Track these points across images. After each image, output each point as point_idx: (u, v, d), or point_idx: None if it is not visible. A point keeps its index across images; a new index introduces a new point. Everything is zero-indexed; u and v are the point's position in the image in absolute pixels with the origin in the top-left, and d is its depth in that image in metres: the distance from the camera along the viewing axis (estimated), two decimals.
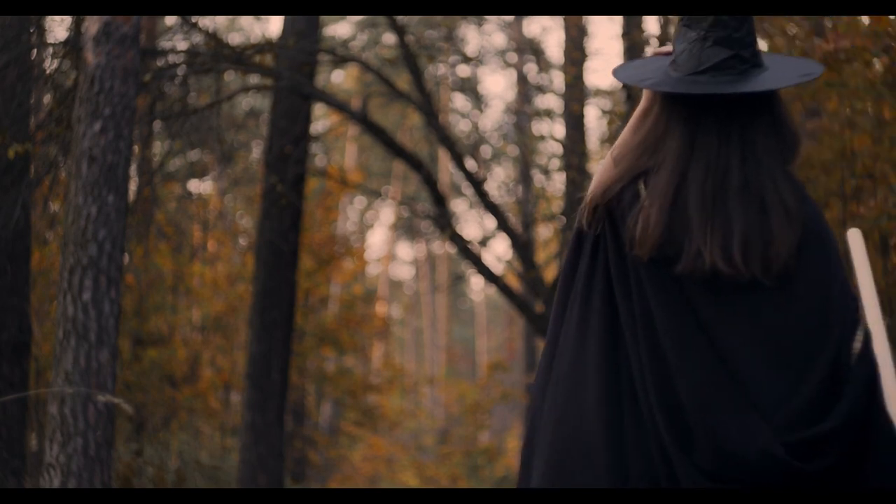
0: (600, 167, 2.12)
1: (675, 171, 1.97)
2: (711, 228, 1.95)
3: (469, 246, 10.80)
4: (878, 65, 7.16)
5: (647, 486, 1.96)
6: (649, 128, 2.06)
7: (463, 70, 18.06)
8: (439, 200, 10.97)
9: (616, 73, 2.16)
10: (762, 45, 9.03)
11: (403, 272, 35.24)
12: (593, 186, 2.08)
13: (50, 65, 8.48)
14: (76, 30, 8.10)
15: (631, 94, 11.23)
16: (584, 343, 2.04)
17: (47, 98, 8.98)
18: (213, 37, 9.62)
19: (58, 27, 8.64)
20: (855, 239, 2.28)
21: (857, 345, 1.98)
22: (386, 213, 28.25)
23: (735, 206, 1.96)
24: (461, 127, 19.80)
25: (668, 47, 2.16)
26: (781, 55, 2.19)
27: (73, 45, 8.08)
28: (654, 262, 1.99)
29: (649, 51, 12.82)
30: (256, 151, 16.87)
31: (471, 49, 18.53)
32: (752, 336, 1.97)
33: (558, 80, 15.46)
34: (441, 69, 13.24)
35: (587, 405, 2.01)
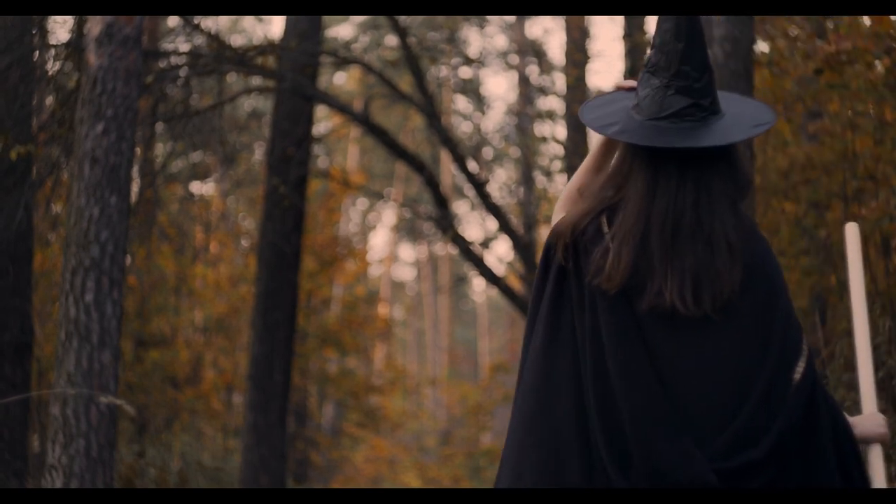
0: (564, 199, 2.28)
1: (641, 213, 2.12)
2: (671, 269, 2.10)
3: (471, 247, 10.81)
4: (879, 66, 7.16)
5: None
6: (615, 166, 2.20)
7: (465, 72, 18.07)
8: (441, 202, 10.98)
9: (582, 114, 2.28)
10: (764, 47, 9.04)
11: (405, 273, 35.28)
12: (562, 220, 2.21)
13: (52, 66, 8.49)
14: (78, 31, 8.10)
15: None
16: (554, 361, 2.18)
17: (49, 99, 8.99)
18: (215, 38, 9.63)
19: (60, 28, 8.65)
20: (851, 233, 2.46)
21: (797, 375, 2.12)
22: (388, 215, 28.26)
23: (687, 248, 2.11)
24: (463, 129, 19.82)
25: (632, 82, 2.28)
26: (739, 97, 2.33)
27: (75, 47, 8.09)
28: (616, 294, 2.13)
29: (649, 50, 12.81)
30: (259, 153, 16.88)
31: (473, 51, 18.55)
32: (698, 366, 2.10)
33: (560, 81, 15.48)
34: (443, 71, 13.24)
35: (560, 414, 2.15)
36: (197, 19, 9.61)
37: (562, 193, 2.33)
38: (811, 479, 2.09)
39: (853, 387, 5.87)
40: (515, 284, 17.88)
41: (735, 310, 2.13)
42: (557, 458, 2.14)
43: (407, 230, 26.57)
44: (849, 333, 7.35)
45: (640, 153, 2.16)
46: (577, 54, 13.45)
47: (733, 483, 2.04)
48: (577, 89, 13.79)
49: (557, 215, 2.29)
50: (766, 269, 2.19)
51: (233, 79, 13.22)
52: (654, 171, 2.15)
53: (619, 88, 2.31)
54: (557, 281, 2.21)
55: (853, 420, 2.31)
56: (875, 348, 6.51)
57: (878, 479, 2.28)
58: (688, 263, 2.10)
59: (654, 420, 2.07)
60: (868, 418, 2.34)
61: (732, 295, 2.12)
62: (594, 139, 2.31)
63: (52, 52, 8.47)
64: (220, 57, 9.38)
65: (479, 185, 10.98)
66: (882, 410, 5.69)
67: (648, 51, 2.25)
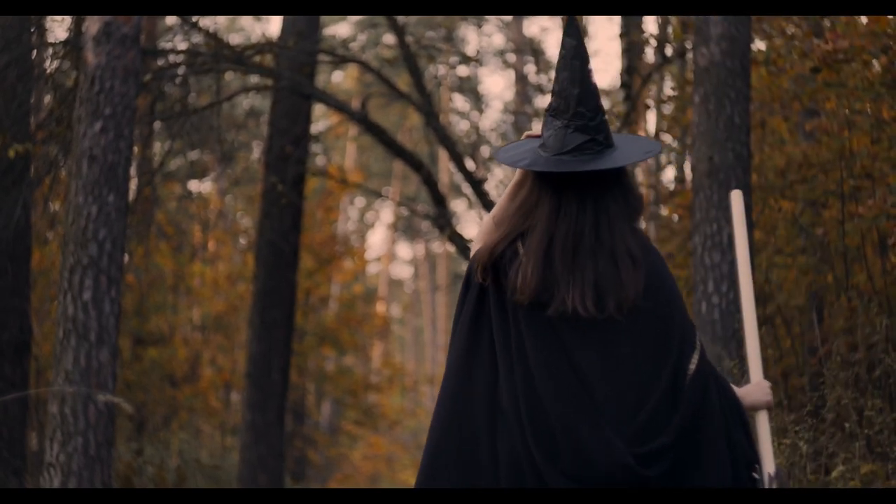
0: (483, 229, 2.61)
1: (545, 234, 2.45)
2: (572, 280, 2.42)
3: (468, 246, 10.82)
4: (876, 65, 7.17)
5: (513, 487, 2.42)
6: (524, 197, 2.53)
7: (462, 70, 18.09)
8: (439, 200, 10.99)
9: (497, 155, 2.63)
10: (761, 46, 9.05)
11: (403, 272, 35.27)
12: (482, 246, 2.53)
13: (50, 65, 8.50)
14: (76, 30, 8.10)
15: (630, 96, 11.26)
16: (473, 371, 2.49)
17: (48, 98, 8.99)
18: (213, 37, 9.63)
19: (58, 27, 8.66)
20: (736, 200, 2.80)
21: (692, 367, 2.45)
22: (386, 213, 28.27)
23: (588, 262, 2.44)
24: (461, 127, 19.83)
25: (538, 130, 2.60)
26: (632, 136, 2.71)
27: (73, 46, 8.09)
28: (530, 305, 2.44)
29: (649, 51, 12.83)
30: (257, 151, 16.87)
31: (470, 49, 18.55)
32: (608, 364, 2.42)
33: None
34: (441, 69, 13.25)
35: (476, 417, 2.46)
36: (195, 18, 9.61)
37: (483, 222, 2.64)
38: (705, 457, 2.43)
39: (849, 385, 5.89)
40: None
41: (639, 313, 2.44)
42: (472, 458, 2.46)
43: (405, 228, 26.58)
44: (845, 331, 7.36)
45: (546, 183, 2.49)
46: None
47: (648, 465, 2.37)
48: None
49: (477, 243, 2.60)
50: (662, 277, 2.51)
51: (231, 77, 13.20)
52: (558, 198, 2.47)
53: (528, 136, 2.64)
54: (478, 299, 2.52)
55: (743, 390, 2.63)
56: (872, 347, 6.53)
57: (765, 439, 2.61)
58: (588, 275, 2.43)
59: (577, 414, 2.38)
60: (756, 388, 2.66)
61: (637, 299, 2.44)
62: (514, 178, 2.66)
63: (51, 50, 8.48)
64: (218, 55, 9.38)
65: (477, 184, 10.99)
66: (880, 409, 5.71)
67: (550, 97, 2.58)
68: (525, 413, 2.39)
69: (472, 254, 2.58)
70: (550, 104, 2.55)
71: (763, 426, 2.64)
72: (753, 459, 2.54)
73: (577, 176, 2.47)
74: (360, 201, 26.72)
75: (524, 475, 2.40)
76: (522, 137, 2.65)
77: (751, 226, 6.86)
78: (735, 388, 2.59)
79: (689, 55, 10.28)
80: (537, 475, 2.39)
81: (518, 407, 2.41)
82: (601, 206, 2.47)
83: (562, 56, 2.56)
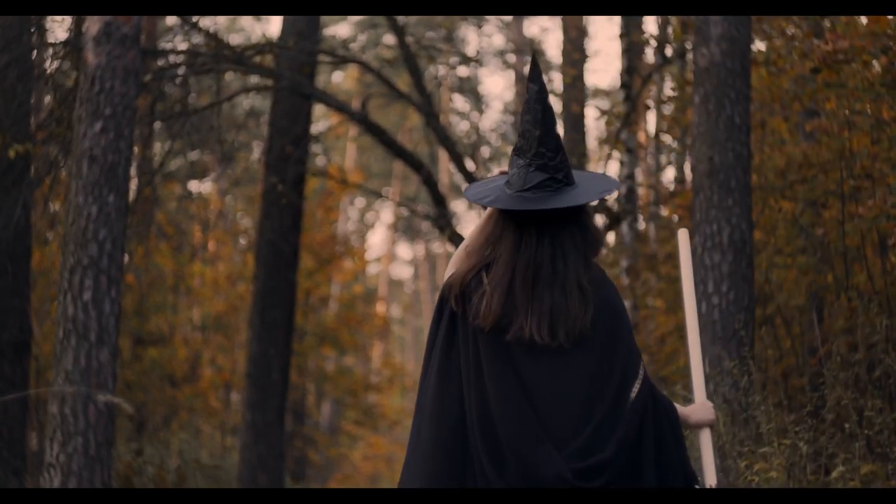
0: (456, 258, 2.84)
1: (508, 265, 2.67)
2: (531, 309, 2.64)
3: None
4: (876, 65, 7.17)
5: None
6: (490, 230, 2.75)
7: (462, 71, 18.08)
8: (439, 200, 10.99)
9: (466, 192, 2.86)
10: (761, 46, 9.06)
11: (403, 272, 35.25)
12: (453, 275, 2.76)
13: (50, 65, 8.50)
14: (77, 30, 8.10)
15: (630, 96, 11.26)
16: (446, 387, 2.71)
17: (48, 98, 8.99)
18: (213, 37, 9.63)
19: (58, 27, 8.65)
20: (682, 239, 3.02)
21: (633, 394, 2.67)
22: (386, 213, 28.26)
23: (546, 292, 2.65)
24: (461, 127, 19.83)
25: (505, 168, 2.82)
26: (591, 173, 2.89)
27: (73, 46, 8.09)
28: (490, 330, 2.67)
29: (649, 52, 12.83)
30: (257, 152, 16.87)
31: (470, 50, 18.55)
32: (555, 387, 2.65)
33: (557, 80, 15.49)
34: (441, 70, 13.24)
35: (448, 431, 2.70)
36: (195, 18, 9.61)
37: (455, 254, 2.87)
38: (643, 473, 2.67)
39: (849, 385, 5.89)
40: None
41: (588, 341, 2.67)
42: (442, 468, 2.70)
43: (405, 229, 26.58)
44: (846, 332, 7.36)
45: (508, 219, 2.71)
46: (575, 53, 13.46)
47: (586, 479, 2.60)
48: (574, 88, 13.80)
49: (450, 270, 2.82)
50: (613, 308, 2.72)
51: (231, 77, 13.21)
52: (519, 233, 2.69)
53: (500, 173, 2.87)
54: (451, 323, 2.74)
55: (689, 410, 2.86)
56: (872, 347, 6.53)
57: (707, 454, 2.87)
58: (545, 305, 2.65)
59: (523, 431, 2.61)
60: (700, 407, 2.88)
61: (584, 330, 2.66)
62: (484, 212, 2.89)
63: (51, 51, 8.48)
64: (218, 56, 9.38)
65: None
66: (880, 409, 5.71)
67: (517, 138, 2.79)
68: (478, 428, 2.64)
69: (445, 282, 2.79)
70: (515, 145, 2.77)
71: (706, 443, 2.89)
72: (691, 475, 2.78)
73: (536, 213, 2.68)
74: (360, 201, 26.73)
75: (474, 482, 2.66)
76: (496, 174, 2.89)
77: (751, 226, 6.86)
78: (680, 408, 2.81)
79: (690, 55, 10.28)
80: (486, 483, 2.64)
81: (472, 422, 2.66)
82: (558, 241, 2.69)
83: (525, 100, 2.75)
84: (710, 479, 2.85)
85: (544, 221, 2.68)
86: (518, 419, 2.63)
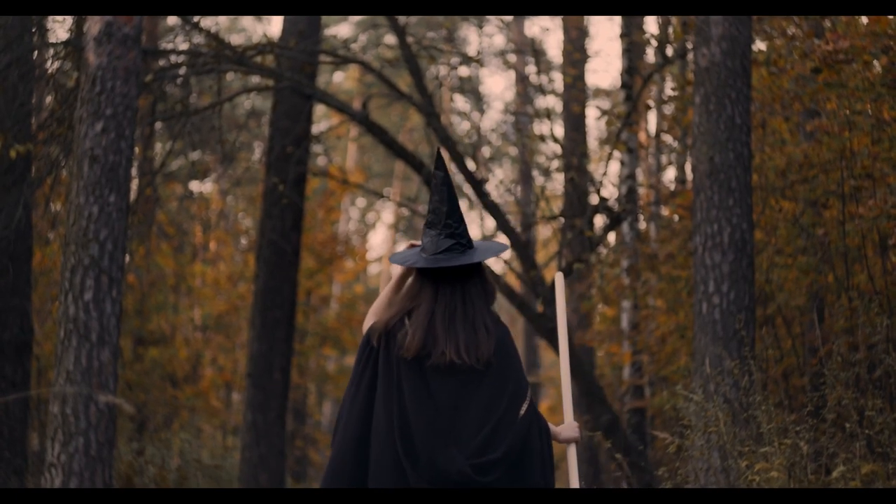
0: (375, 308, 3.61)
1: (428, 310, 3.45)
2: (449, 340, 3.41)
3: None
4: (877, 65, 7.18)
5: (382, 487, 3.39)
6: (410, 286, 3.53)
7: (463, 71, 18.07)
8: None
9: (391, 258, 3.59)
10: (762, 46, 9.06)
11: None
12: (378, 321, 3.51)
13: (52, 65, 8.50)
14: (78, 30, 8.11)
15: (630, 96, 11.26)
16: (357, 407, 3.49)
17: (49, 98, 9.00)
18: (214, 37, 9.63)
19: (59, 28, 8.66)
20: (558, 282, 3.75)
21: (522, 411, 3.41)
22: (387, 214, 28.26)
23: (460, 328, 3.44)
24: (462, 127, 19.81)
25: (419, 242, 3.58)
26: (486, 241, 3.62)
27: (74, 46, 8.10)
28: (412, 359, 3.42)
29: (649, 52, 12.83)
30: (258, 152, 16.88)
31: (471, 50, 18.55)
32: (460, 401, 3.40)
33: (558, 80, 15.49)
34: (442, 70, 13.24)
35: (359, 439, 3.47)
36: (196, 18, 9.62)
37: (371, 307, 3.64)
38: (527, 471, 3.41)
39: (850, 385, 5.89)
40: (514, 283, 17.90)
41: (489, 367, 3.43)
42: (348, 470, 3.47)
43: (405, 229, 26.58)
44: (846, 331, 7.37)
45: (426, 276, 3.49)
46: (576, 53, 13.46)
47: (481, 474, 3.34)
48: (574, 88, 13.81)
49: (371, 317, 3.61)
50: (506, 347, 3.48)
51: (232, 78, 13.22)
52: (436, 286, 3.47)
53: (411, 245, 3.62)
54: (375, 359, 3.49)
55: (559, 428, 3.59)
56: (872, 347, 6.53)
57: (573, 465, 3.58)
58: (461, 337, 3.42)
59: (433, 435, 3.36)
60: (567, 427, 3.61)
61: (490, 357, 3.42)
62: (394, 271, 3.68)
63: (52, 51, 8.49)
64: (219, 56, 9.39)
65: (478, 184, 11.00)
66: (880, 409, 5.71)
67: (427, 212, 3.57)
68: (399, 433, 3.37)
69: (366, 326, 3.57)
70: (427, 219, 3.55)
71: (572, 455, 3.60)
72: (551, 481, 3.48)
73: (449, 269, 3.46)
74: (361, 201, 26.73)
75: (393, 478, 3.38)
76: (406, 246, 3.63)
77: (751, 226, 6.86)
78: (552, 427, 3.54)
79: (690, 55, 10.29)
80: (404, 478, 3.37)
81: (393, 430, 3.38)
82: (466, 291, 3.48)
83: (433, 185, 3.51)
84: (575, 485, 3.58)
85: (455, 276, 3.47)
86: (430, 427, 3.36)
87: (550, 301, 10.79)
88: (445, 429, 3.38)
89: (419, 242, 3.62)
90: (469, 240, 3.52)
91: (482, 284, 3.52)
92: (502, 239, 11.88)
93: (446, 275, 3.46)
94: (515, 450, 3.39)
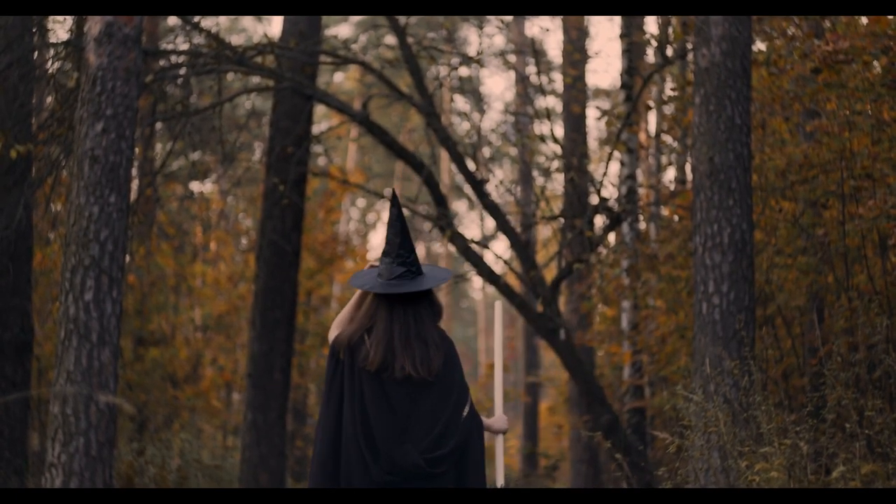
0: (338, 323, 4.12)
1: (386, 329, 3.97)
2: (406, 355, 3.94)
3: (470, 246, 10.83)
4: (877, 65, 7.18)
5: (350, 486, 3.93)
6: (368, 305, 4.02)
7: (464, 71, 18.07)
8: (440, 201, 10.99)
9: (350, 281, 4.13)
10: (762, 46, 9.06)
11: None
12: (342, 335, 4.02)
13: (52, 65, 8.51)
14: (78, 30, 8.12)
15: (630, 96, 11.27)
16: (331, 411, 4.01)
17: (49, 99, 9.01)
18: (214, 38, 9.64)
19: (60, 28, 8.67)
20: (497, 309, 4.33)
21: (465, 414, 3.98)
22: (387, 214, 28.26)
23: (415, 345, 3.96)
24: (462, 128, 19.81)
25: (377, 262, 4.09)
26: (434, 266, 4.17)
27: (75, 46, 8.11)
28: (374, 371, 3.95)
29: (649, 52, 12.84)
30: (258, 152, 16.88)
31: (471, 50, 18.55)
32: (414, 407, 3.94)
33: (558, 80, 15.49)
34: (442, 70, 13.25)
35: (334, 440, 3.99)
36: (196, 19, 9.62)
37: (336, 320, 4.14)
38: (470, 464, 3.99)
39: (850, 385, 5.89)
40: (514, 283, 17.91)
41: (438, 377, 3.97)
42: (328, 470, 3.97)
43: None
44: (846, 332, 7.37)
45: (382, 299, 4.00)
46: (576, 54, 13.47)
47: (433, 466, 3.89)
48: (575, 88, 13.81)
49: (335, 328, 4.10)
50: (451, 356, 4.02)
51: (232, 78, 13.23)
52: (391, 307, 3.98)
53: (371, 265, 4.13)
54: (342, 371, 4.00)
55: (490, 421, 4.18)
56: (872, 347, 6.53)
57: (499, 458, 4.22)
58: (417, 352, 3.95)
59: (391, 435, 3.90)
60: (498, 419, 4.22)
61: (438, 370, 3.97)
62: (356, 292, 4.18)
63: (52, 51, 8.49)
64: (219, 56, 9.39)
65: (478, 184, 11.00)
66: (880, 409, 5.71)
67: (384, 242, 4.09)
68: (361, 434, 3.93)
69: (331, 336, 4.07)
70: (384, 248, 4.04)
71: (499, 447, 4.25)
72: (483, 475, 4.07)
73: (400, 294, 3.98)
74: (361, 202, 26.75)
75: (360, 472, 3.90)
76: (367, 266, 4.14)
77: (751, 226, 6.87)
78: (485, 420, 4.11)
79: (690, 56, 10.29)
80: (367, 471, 3.90)
81: (357, 431, 3.93)
82: (417, 312, 4.00)
83: (389, 219, 4.02)
84: (500, 479, 4.22)
85: (408, 299, 3.98)
86: (388, 427, 3.90)
87: (550, 301, 10.81)
88: (401, 429, 3.93)
89: (377, 263, 4.14)
90: (419, 267, 4.05)
91: (430, 305, 4.06)
92: (502, 239, 11.88)
93: (400, 298, 3.99)
94: (460, 445, 3.96)
